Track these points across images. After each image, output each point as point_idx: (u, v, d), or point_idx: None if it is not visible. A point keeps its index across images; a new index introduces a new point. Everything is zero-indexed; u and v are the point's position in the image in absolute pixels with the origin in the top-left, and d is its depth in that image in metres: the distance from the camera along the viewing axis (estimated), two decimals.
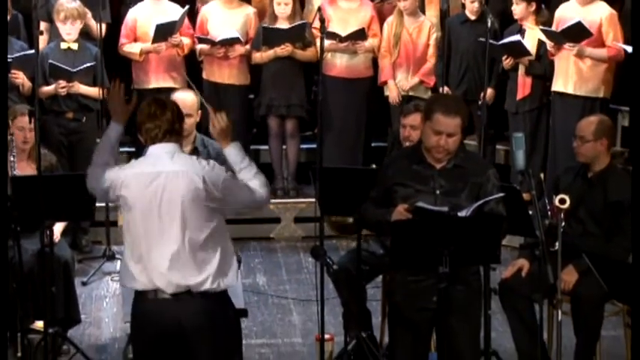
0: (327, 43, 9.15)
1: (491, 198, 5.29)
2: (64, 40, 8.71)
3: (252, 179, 5.16)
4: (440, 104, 5.35)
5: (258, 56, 9.34)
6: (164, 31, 9.02)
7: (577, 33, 8.55)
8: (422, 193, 5.33)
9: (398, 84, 9.35)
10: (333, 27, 9.26)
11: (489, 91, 9.10)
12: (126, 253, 5.09)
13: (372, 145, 9.64)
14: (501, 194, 5.37)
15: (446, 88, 9.22)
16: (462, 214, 5.16)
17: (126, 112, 5.29)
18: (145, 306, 5.02)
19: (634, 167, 5.78)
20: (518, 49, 8.91)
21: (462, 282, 5.32)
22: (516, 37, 8.90)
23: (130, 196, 5.02)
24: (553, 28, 8.81)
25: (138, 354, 5.16)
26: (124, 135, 5.41)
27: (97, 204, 6.79)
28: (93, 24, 9.00)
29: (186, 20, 9.30)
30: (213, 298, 5.01)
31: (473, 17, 9.22)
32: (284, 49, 9.24)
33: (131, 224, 5.03)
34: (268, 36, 9.20)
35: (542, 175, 6.66)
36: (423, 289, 5.31)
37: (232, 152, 5.22)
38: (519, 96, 9.08)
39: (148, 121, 5.10)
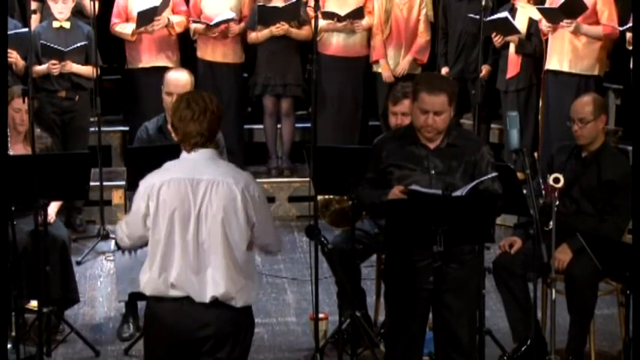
0: (325, 22, 9.17)
1: (486, 177, 5.29)
2: (56, 19, 8.68)
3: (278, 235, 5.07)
4: (424, 83, 5.37)
5: (254, 36, 9.32)
6: (147, 17, 8.99)
7: (573, 8, 8.53)
8: (417, 173, 5.33)
9: (390, 62, 9.33)
10: (330, 6, 9.25)
11: (485, 67, 9.10)
12: (152, 257, 4.83)
13: (369, 124, 9.63)
14: (494, 174, 5.36)
15: (445, 69, 9.23)
16: (457, 193, 5.16)
17: None
18: (168, 311, 4.81)
19: (634, 147, 5.77)
20: (506, 27, 8.89)
21: (458, 261, 5.33)
22: (504, 14, 8.89)
23: (167, 201, 4.77)
24: (547, 6, 8.80)
25: (150, 355, 5.00)
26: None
27: (91, 183, 6.78)
28: (86, 2, 8.97)
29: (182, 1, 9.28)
30: (238, 313, 4.86)
31: None
32: (279, 28, 9.22)
33: (163, 230, 4.79)
34: (263, 14, 9.18)
35: (535, 155, 6.68)
36: (420, 269, 5.32)
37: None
38: (509, 75, 9.08)
39: (190, 124, 4.78)
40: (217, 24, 9.15)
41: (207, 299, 4.78)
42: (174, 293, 4.80)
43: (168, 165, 4.91)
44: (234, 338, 4.86)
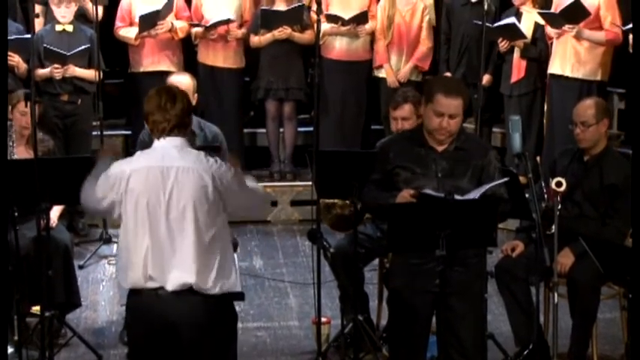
0: (328, 26, 9.17)
1: (499, 182, 5.29)
2: (59, 23, 8.68)
3: (256, 189, 5.11)
4: (440, 86, 5.34)
5: (257, 40, 9.33)
6: (149, 21, 8.99)
7: (575, 13, 8.53)
8: (423, 176, 5.32)
9: (393, 67, 9.33)
10: (333, 9, 9.25)
11: (486, 76, 9.11)
12: (125, 247, 4.92)
13: (372, 127, 9.63)
14: (506, 178, 5.37)
15: (447, 74, 9.23)
16: (470, 196, 5.14)
17: (113, 152, 5.32)
18: (144, 301, 4.88)
19: (634, 151, 5.77)
20: (513, 32, 8.90)
21: (462, 265, 5.32)
22: (511, 20, 8.89)
23: (137, 190, 4.84)
24: (552, 11, 8.80)
25: (133, 347, 5.10)
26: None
27: None
28: (89, 6, 8.98)
29: (183, 3, 9.28)
30: (214, 300, 4.89)
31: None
32: (282, 32, 9.22)
33: (134, 219, 4.87)
34: (266, 18, 9.18)
35: (538, 159, 6.67)
36: (425, 273, 5.30)
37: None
38: (514, 79, 9.08)
39: (157, 112, 4.91)
40: (214, 25, 9.14)
41: (178, 287, 4.82)
42: (151, 284, 4.85)
43: (139, 154, 5.00)
44: (212, 327, 4.88)
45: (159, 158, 4.89)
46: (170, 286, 4.84)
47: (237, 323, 5.21)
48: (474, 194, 5.15)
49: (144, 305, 4.89)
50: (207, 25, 9.16)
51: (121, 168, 4.93)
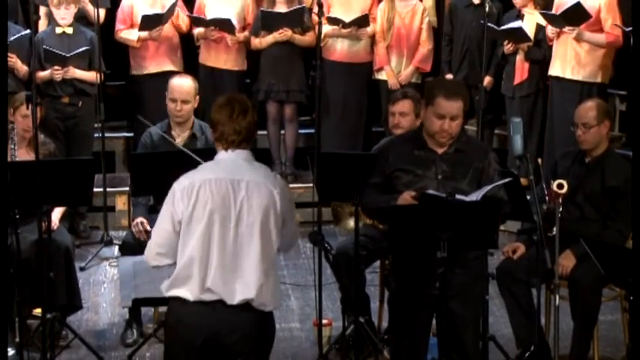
0: (330, 28, 9.17)
1: (499, 183, 5.28)
2: (59, 25, 8.69)
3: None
4: (441, 88, 5.33)
5: (257, 42, 9.33)
6: (150, 22, 9.00)
7: (576, 15, 8.53)
8: (424, 178, 5.32)
9: (393, 70, 9.34)
10: (335, 11, 9.25)
11: (487, 78, 9.12)
12: (189, 258, 4.74)
13: (373, 130, 9.63)
14: (507, 179, 5.36)
15: (449, 75, 9.23)
16: (471, 197, 5.14)
17: None
18: (198, 314, 4.74)
19: (634, 153, 5.77)
20: (518, 35, 8.90)
21: (462, 267, 5.32)
22: (518, 24, 8.88)
23: (208, 201, 4.72)
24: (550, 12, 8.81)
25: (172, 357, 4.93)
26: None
27: (95, 189, 6.79)
28: (90, 9, 8.98)
29: (181, 4, 9.28)
30: (267, 316, 4.84)
31: (476, 1, 9.20)
32: (283, 34, 9.22)
33: (203, 230, 4.72)
34: (267, 19, 9.18)
35: (539, 160, 6.65)
36: (424, 275, 5.31)
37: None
38: (517, 80, 9.08)
39: (229, 124, 4.78)
40: (214, 21, 9.13)
41: (238, 302, 4.72)
42: (207, 297, 4.73)
43: (205, 165, 4.88)
44: (259, 342, 4.83)
45: (228, 170, 4.79)
46: (231, 300, 4.73)
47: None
48: (475, 196, 5.15)
49: (194, 317, 4.75)
50: (208, 19, 9.14)
51: (189, 180, 4.78)
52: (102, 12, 8.99)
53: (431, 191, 5.17)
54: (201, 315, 4.74)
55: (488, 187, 5.21)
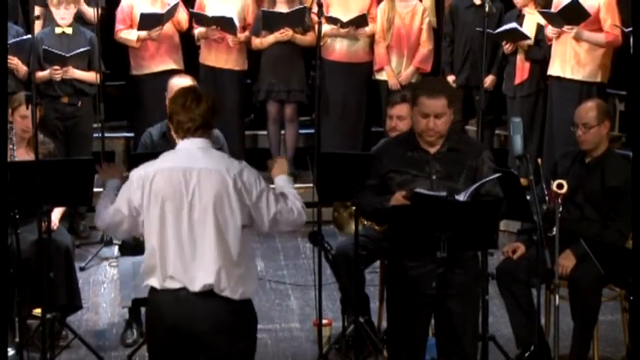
0: (328, 28, 9.16)
1: (486, 180, 5.30)
2: (58, 25, 8.68)
3: (295, 200, 5.10)
4: (423, 88, 5.41)
5: (258, 42, 9.32)
6: (149, 21, 9.00)
7: (574, 14, 8.53)
8: (418, 178, 5.34)
9: (393, 70, 9.34)
10: (333, 11, 9.25)
11: (490, 77, 9.12)
12: (149, 248, 4.89)
13: (372, 130, 9.63)
14: (497, 174, 5.37)
15: (451, 76, 9.22)
16: (459, 197, 5.16)
17: (120, 172, 5.26)
18: (162, 301, 4.86)
19: (634, 153, 5.77)
20: (515, 35, 8.90)
21: (461, 267, 5.32)
22: (512, 25, 8.89)
23: (160, 191, 4.82)
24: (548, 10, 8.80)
25: (151, 347, 5.04)
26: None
27: (95, 189, 6.79)
28: (86, 9, 8.98)
29: (180, 3, 9.29)
30: (237, 305, 4.88)
31: (478, 2, 9.19)
32: (284, 34, 9.22)
33: (158, 220, 4.84)
34: (268, 19, 9.18)
35: (539, 160, 6.64)
36: (423, 275, 5.31)
37: (282, 180, 5.20)
38: (517, 80, 9.07)
39: (182, 112, 4.88)
40: (214, 20, 9.13)
41: (198, 288, 4.81)
42: (171, 285, 4.85)
43: (163, 155, 4.98)
44: (234, 333, 4.87)
45: (182, 160, 4.88)
46: (193, 287, 4.83)
47: (256, 327, 5.17)
48: (463, 195, 5.16)
49: (162, 305, 4.88)
50: (210, 17, 9.13)
51: (145, 170, 4.91)
52: (99, 12, 8.99)
53: (421, 190, 5.18)
54: (169, 302, 4.86)
55: (476, 185, 5.22)
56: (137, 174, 4.92)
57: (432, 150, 5.39)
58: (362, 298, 6.74)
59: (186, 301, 4.83)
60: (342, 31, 9.28)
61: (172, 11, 9.08)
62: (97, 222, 5.13)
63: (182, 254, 4.84)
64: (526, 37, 8.91)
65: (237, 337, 4.90)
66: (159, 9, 9.08)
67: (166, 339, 4.89)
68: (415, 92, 5.40)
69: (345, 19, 9.22)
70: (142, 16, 8.97)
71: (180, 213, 4.83)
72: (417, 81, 9.25)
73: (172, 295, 4.85)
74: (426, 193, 5.17)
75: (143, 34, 9.08)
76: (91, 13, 8.90)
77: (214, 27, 9.17)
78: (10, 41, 8.30)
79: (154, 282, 4.89)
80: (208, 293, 4.83)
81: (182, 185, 4.83)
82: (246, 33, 9.32)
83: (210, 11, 9.24)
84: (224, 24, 9.15)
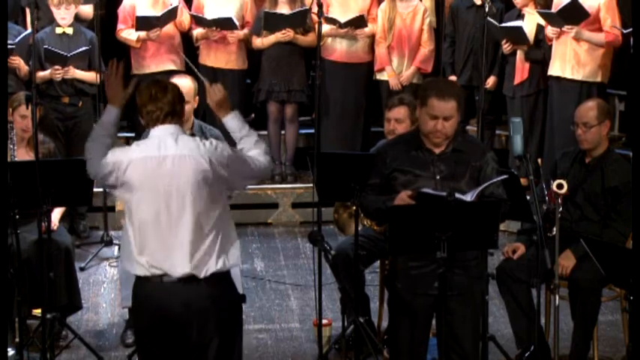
0: (327, 28, 9.16)
1: (493, 181, 5.28)
2: (59, 25, 8.68)
3: (253, 148, 5.16)
4: (434, 89, 5.33)
5: (259, 42, 9.33)
6: (145, 24, 9.00)
7: (574, 14, 8.53)
8: (422, 178, 5.32)
9: (395, 70, 9.34)
10: (333, 12, 9.25)
11: (492, 78, 9.12)
12: (129, 237, 5.00)
13: (372, 130, 9.63)
14: (503, 177, 5.36)
15: (453, 77, 9.22)
16: (466, 197, 5.14)
17: (123, 96, 5.19)
18: (149, 290, 4.97)
19: (634, 153, 5.77)
20: (517, 35, 8.89)
21: (461, 267, 5.32)
22: (518, 23, 8.88)
23: (135, 180, 4.94)
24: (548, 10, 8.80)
25: (140, 337, 5.14)
26: (120, 120, 5.31)
27: (95, 189, 6.79)
28: (81, 7, 8.97)
29: (182, 4, 9.29)
30: (218, 281, 4.98)
31: (479, 2, 9.20)
32: (285, 35, 9.22)
33: (136, 209, 4.96)
34: (270, 21, 9.18)
35: (539, 160, 6.67)
36: (424, 275, 5.30)
37: (232, 121, 5.20)
38: (517, 80, 9.07)
39: (149, 103, 5.03)
40: (216, 22, 9.13)
41: (181, 275, 4.90)
42: (154, 272, 4.93)
43: (136, 143, 5.08)
44: (216, 310, 4.96)
45: (155, 148, 4.97)
46: (174, 273, 4.93)
47: (241, 302, 5.26)
48: (470, 196, 5.15)
49: (148, 293, 4.97)
50: (210, 20, 9.13)
51: (118, 157, 5.00)
52: (90, 8, 8.99)
53: (427, 190, 5.17)
54: (153, 289, 4.95)
55: (482, 187, 5.21)
56: (111, 159, 5.00)
57: (437, 150, 5.37)
58: (362, 298, 6.74)
59: (170, 286, 4.92)
60: (342, 31, 9.28)
61: (170, 14, 9.06)
62: (87, 168, 5.17)
63: (162, 241, 4.92)
64: (527, 41, 8.89)
65: (223, 312, 4.99)
66: (160, 9, 9.08)
67: (153, 325, 4.97)
68: (425, 93, 5.32)
69: (344, 19, 9.22)
70: (138, 19, 8.99)
71: (157, 201, 4.91)
72: (418, 81, 9.25)
73: (155, 281, 4.94)
74: (431, 193, 5.15)
75: (142, 34, 9.09)
76: (86, 10, 8.89)
77: (214, 28, 9.17)
78: (16, 40, 8.31)
79: (138, 270, 4.97)
80: (191, 278, 4.92)
81: (157, 174, 4.92)
82: (245, 30, 9.32)
83: (209, 10, 9.25)
84: (224, 25, 9.15)
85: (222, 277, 5.02)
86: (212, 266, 4.95)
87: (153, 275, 4.95)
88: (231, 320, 5.12)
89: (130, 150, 5.04)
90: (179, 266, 4.92)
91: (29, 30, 8.25)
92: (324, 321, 6.65)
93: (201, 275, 4.94)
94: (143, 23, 9.00)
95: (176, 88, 5.13)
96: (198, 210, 4.93)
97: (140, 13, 9.09)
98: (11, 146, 6.94)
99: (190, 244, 4.92)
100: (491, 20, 8.44)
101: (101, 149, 5.06)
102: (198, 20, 9.23)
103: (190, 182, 4.92)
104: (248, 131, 5.21)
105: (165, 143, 4.98)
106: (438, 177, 5.33)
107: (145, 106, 5.05)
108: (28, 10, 8.88)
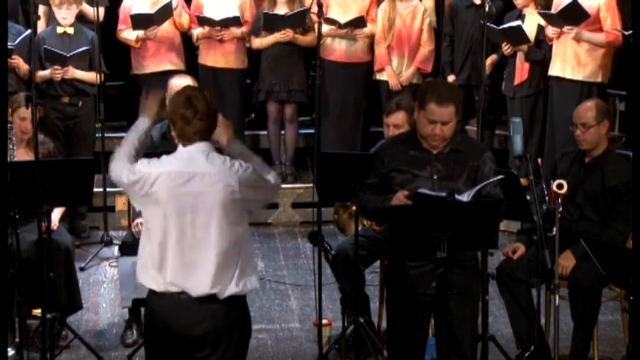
0: (326, 28, 9.16)
1: (489, 181, 5.28)
2: (60, 25, 8.68)
3: (264, 173, 5.07)
4: (433, 93, 5.28)
5: (258, 42, 9.33)
6: (141, 22, 8.99)
7: (574, 14, 8.53)
8: (419, 178, 5.32)
9: (394, 70, 9.34)
10: (332, 12, 9.25)
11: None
12: (148, 250, 4.88)
13: (372, 130, 9.63)
14: (500, 176, 5.36)
15: (451, 76, 9.22)
16: (462, 198, 5.14)
17: (158, 114, 5.12)
18: (165, 307, 4.85)
19: (634, 153, 5.77)
20: (517, 35, 8.89)
21: (460, 267, 5.32)
22: (517, 23, 8.88)
23: (162, 195, 4.81)
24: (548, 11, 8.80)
25: (150, 353, 5.03)
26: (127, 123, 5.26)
27: (95, 189, 6.79)
28: (87, 8, 8.98)
29: (182, 2, 9.28)
30: (236, 304, 4.89)
31: (478, 2, 9.19)
32: (285, 35, 9.22)
33: (159, 223, 4.84)
34: (269, 21, 9.18)
35: (539, 160, 6.67)
36: (423, 275, 5.30)
37: (237, 147, 5.09)
38: (517, 81, 9.07)
39: (190, 125, 4.86)
40: (222, 21, 9.13)
41: (202, 293, 4.81)
42: (172, 289, 4.83)
43: (165, 157, 4.94)
44: (231, 332, 4.87)
45: (185, 164, 4.85)
46: (193, 293, 4.82)
47: (251, 330, 5.19)
48: (466, 196, 5.15)
49: (164, 309, 4.86)
50: (216, 20, 9.13)
51: (148, 169, 4.87)
52: (101, 11, 8.99)
53: (424, 190, 5.17)
54: (170, 307, 4.84)
55: (479, 187, 5.21)
56: (140, 169, 4.88)
57: (434, 150, 5.37)
58: (362, 298, 6.74)
59: (187, 305, 4.82)
60: (341, 31, 9.28)
61: (165, 11, 9.04)
62: (110, 171, 5.06)
63: (183, 259, 4.82)
64: (527, 40, 8.89)
65: (235, 334, 4.90)
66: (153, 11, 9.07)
67: (165, 341, 4.88)
68: (424, 97, 5.29)
69: (344, 19, 9.22)
70: (132, 17, 8.99)
71: (183, 218, 4.81)
72: (417, 81, 9.25)
73: (172, 298, 4.83)
74: (428, 193, 5.16)
75: (140, 33, 9.09)
76: (92, 12, 8.89)
77: (219, 28, 9.17)
78: (17, 40, 8.31)
79: (153, 285, 4.87)
80: (209, 297, 4.82)
81: (185, 190, 4.81)
82: (243, 29, 9.31)
83: (208, 10, 9.24)
84: (230, 24, 9.16)
85: (240, 300, 4.92)
86: (232, 288, 4.85)
87: (168, 291, 4.84)
88: (243, 344, 5.00)
89: (160, 163, 4.91)
90: (200, 286, 4.81)
91: (29, 30, 8.24)
92: (324, 321, 6.65)
93: (222, 296, 4.83)
94: (138, 21, 9.00)
95: (216, 106, 4.97)
96: (223, 230, 4.82)
97: (141, 10, 9.09)
98: (10, 146, 6.95)
99: (213, 264, 4.81)
100: (491, 25, 8.44)
101: (129, 155, 4.98)
102: (204, 20, 9.23)
103: (218, 202, 4.81)
104: (250, 155, 5.10)
105: (196, 160, 4.85)
106: (435, 177, 5.33)
107: (178, 122, 4.88)
108: (41, 10, 8.88)
